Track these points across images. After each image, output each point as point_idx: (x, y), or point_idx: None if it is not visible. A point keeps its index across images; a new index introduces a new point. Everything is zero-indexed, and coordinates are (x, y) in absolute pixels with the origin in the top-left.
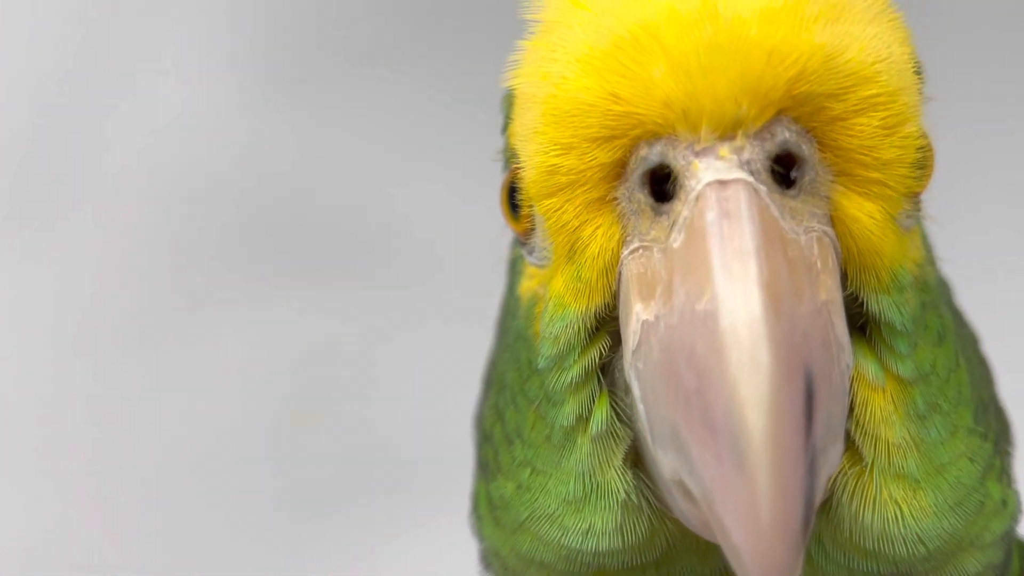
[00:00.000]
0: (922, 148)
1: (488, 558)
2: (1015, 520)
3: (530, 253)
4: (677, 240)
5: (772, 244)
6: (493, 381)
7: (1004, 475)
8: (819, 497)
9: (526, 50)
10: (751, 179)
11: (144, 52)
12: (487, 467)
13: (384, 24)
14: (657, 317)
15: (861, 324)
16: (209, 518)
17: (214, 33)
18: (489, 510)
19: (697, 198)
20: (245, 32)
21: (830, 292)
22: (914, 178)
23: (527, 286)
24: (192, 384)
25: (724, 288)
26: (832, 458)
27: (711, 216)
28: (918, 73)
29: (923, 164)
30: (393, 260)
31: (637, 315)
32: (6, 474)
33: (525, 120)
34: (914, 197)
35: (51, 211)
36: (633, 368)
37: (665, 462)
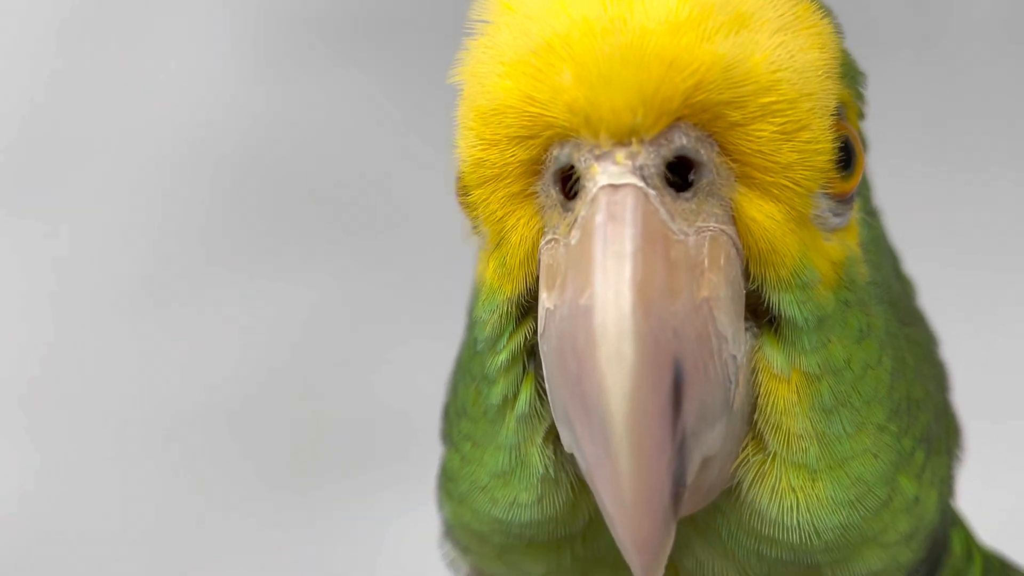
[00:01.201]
0: (841, 149)
1: (447, 528)
2: (928, 520)
3: (479, 238)
4: (575, 237)
5: (652, 246)
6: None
7: (927, 473)
8: (691, 475)
9: (469, 49)
10: (641, 184)
11: (146, 25)
12: (445, 440)
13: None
14: (555, 306)
15: (771, 318)
16: (197, 488)
17: (216, 8)
18: (444, 481)
19: (592, 200)
20: (248, 8)
21: (714, 289)
22: (828, 179)
23: (479, 269)
24: (186, 351)
25: (600, 287)
26: (709, 441)
27: (599, 219)
28: (849, 76)
29: (846, 163)
30: (391, 235)
31: (543, 303)
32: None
33: (461, 115)
34: (840, 196)
35: (50, 181)
36: (541, 351)
37: (563, 436)
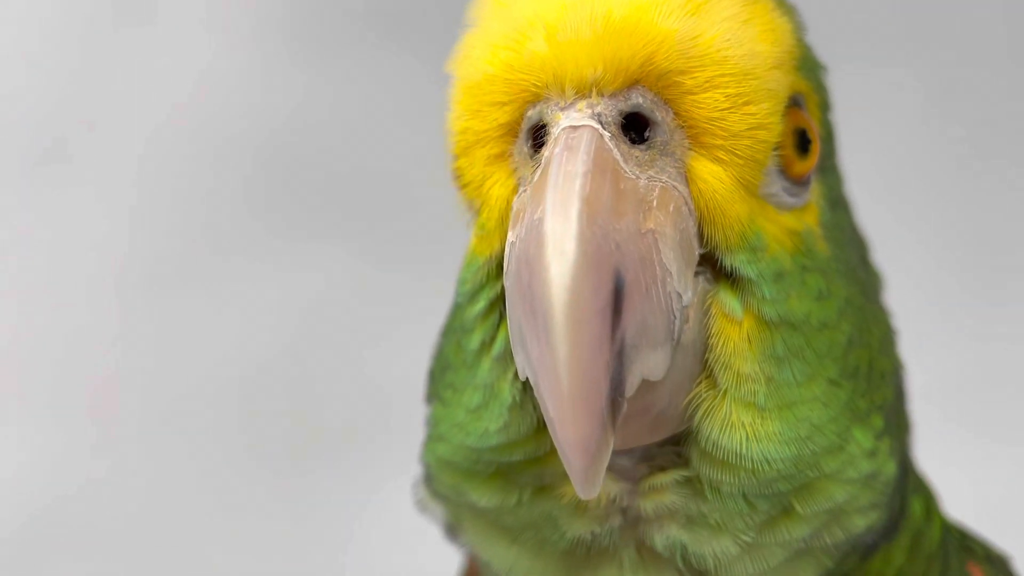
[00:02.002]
0: (798, 134)
1: (425, 471)
2: (888, 474)
3: (467, 211)
4: (537, 174)
5: (602, 172)
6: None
7: (885, 441)
8: (630, 386)
9: (463, 39)
10: (597, 126)
11: (175, 4)
12: (429, 399)
13: None
14: (517, 237)
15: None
16: (215, 457)
17: None
18: (427, 430)
19: (554, 140)
20: None
21: (660, 225)
22: (782, 157)
23: (468, 243)
24: (212, 326)
25: (551, 199)
26: (651, 363)
27: (557, 150)
28: (807, 68)
29: (802, 148)
30: (410, 215)
31: (509, 241)
32: (36, 403)
33: (452, 94)
34: (796, 178)
35: (84, 159)
36: (505, 284)
37: (518, 361)
